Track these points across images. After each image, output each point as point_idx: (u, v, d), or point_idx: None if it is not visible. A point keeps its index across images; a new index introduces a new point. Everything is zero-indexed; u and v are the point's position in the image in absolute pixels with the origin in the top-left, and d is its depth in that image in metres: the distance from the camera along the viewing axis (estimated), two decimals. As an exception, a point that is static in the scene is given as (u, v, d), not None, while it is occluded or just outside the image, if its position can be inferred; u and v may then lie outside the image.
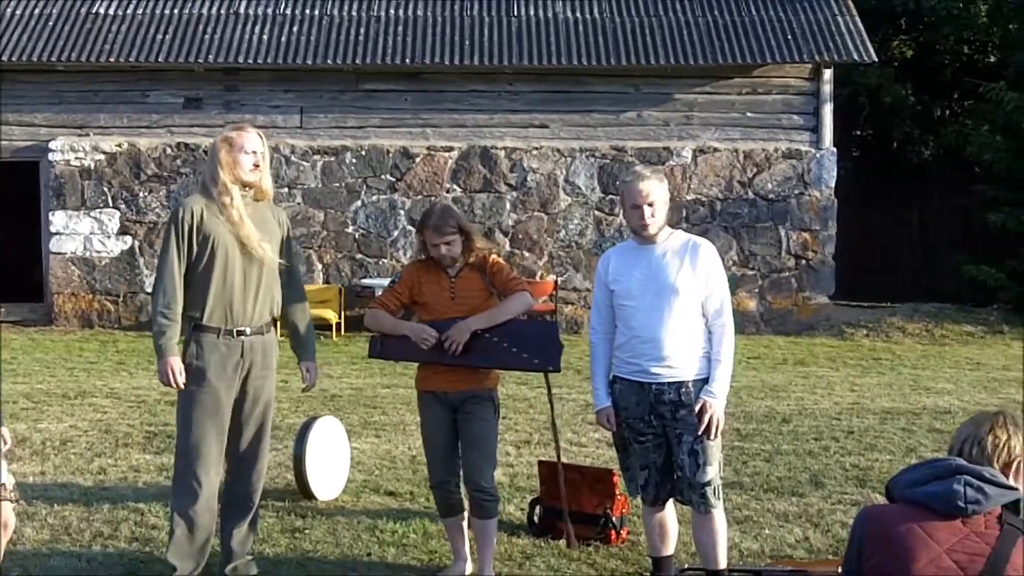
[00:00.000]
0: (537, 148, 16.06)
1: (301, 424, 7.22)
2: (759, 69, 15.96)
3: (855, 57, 15.91)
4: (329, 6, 16.40)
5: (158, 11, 16.20)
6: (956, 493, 3.12)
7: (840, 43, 15.87)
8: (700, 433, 4.95)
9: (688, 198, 15.96)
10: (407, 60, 15.76)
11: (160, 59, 15.68)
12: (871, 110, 21.35)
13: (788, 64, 15.87)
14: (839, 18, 16.21)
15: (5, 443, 4.68)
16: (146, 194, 15.98)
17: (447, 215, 5.32)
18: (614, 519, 6.05)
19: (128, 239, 16.00)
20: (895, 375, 12.39)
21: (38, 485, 7.12)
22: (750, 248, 16.04)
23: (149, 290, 15.17)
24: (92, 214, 15.97)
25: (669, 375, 5.00)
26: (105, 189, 15.95)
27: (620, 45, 15.86)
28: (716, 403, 4.96)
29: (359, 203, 16.11)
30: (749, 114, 16.09)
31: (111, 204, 15.98)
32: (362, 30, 16.09)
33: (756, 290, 16.02)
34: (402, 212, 16.08)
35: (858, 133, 22.63)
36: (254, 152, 5.15)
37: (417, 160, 16.04)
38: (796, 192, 16.05)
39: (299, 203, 16.03)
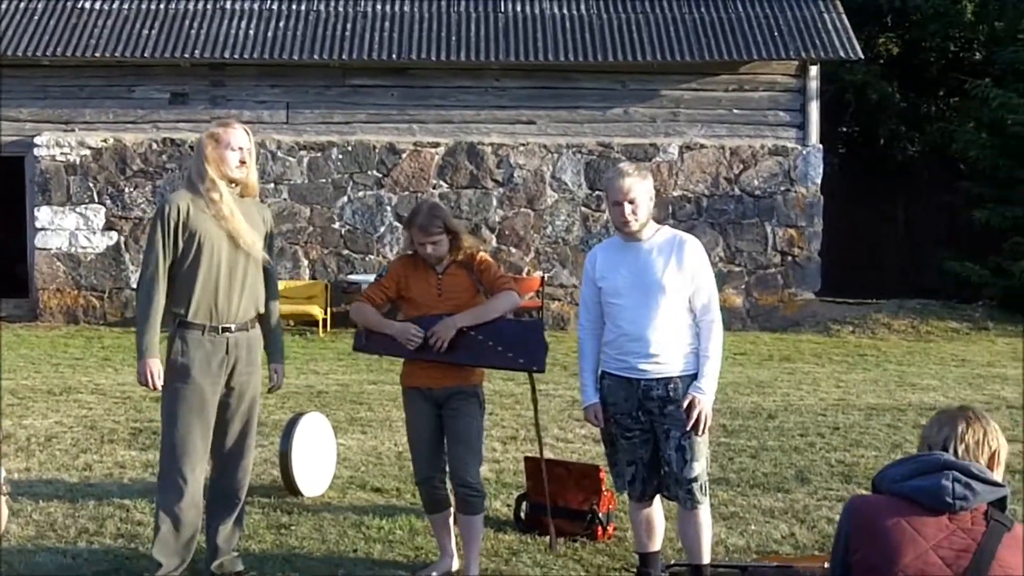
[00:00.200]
0: (524, 144, 16.05)
1: (287, 420, 7.21)
2: (746, 66, 15.98)
3: (841, 54, 15.94)
4: (315, 1, 16.37)
5: (144, 6, 16.16)
6: (944, 489, 3.13)
7: (826, 40, 15.90)
8: (688, 429, 4.96)
9: (674, 194, 15.98)
10: (394, 56, 15.74)
11: (146, 54, 15.64)
12: (857, 107, 21.42)
13: (775, 61, 15.90)
14: (825, 15, 16.25)
15: None
16: (132, 190, 15.94)
17: (434, 214, 5.30)
18: (600, 515, 6.05)
19: (114, 235, 15.96)
20: (881, 371, 12.42)
21: (23, 481, 7.10)
22: (736, 244, 16.07)
23: (135, 286, 15.13)
24: (78, 210, 15.92)
25: (657, 371, 5.00)
26: (91, 184, 15.91)
27: (607, 41, 15.87)
28: (705, 399, 4.97)
29: (345, 199, 16.09)
30: (735, 111, 16.11)
31: (97, 200, 15.94)
32: (348, 25, 16.07)
33: (742, 286, 16.05)
34: (388, 208, 16.06)
35: (844, 130, 22.69)
36: (240, 148, 5.13)
37: (404, 156, 16.02)
38: (782, 189, 16.08)
39: (285, 199, 16.01)
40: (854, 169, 21.54)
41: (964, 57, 22.43)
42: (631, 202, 4.99)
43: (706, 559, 5.19)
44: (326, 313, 15.37)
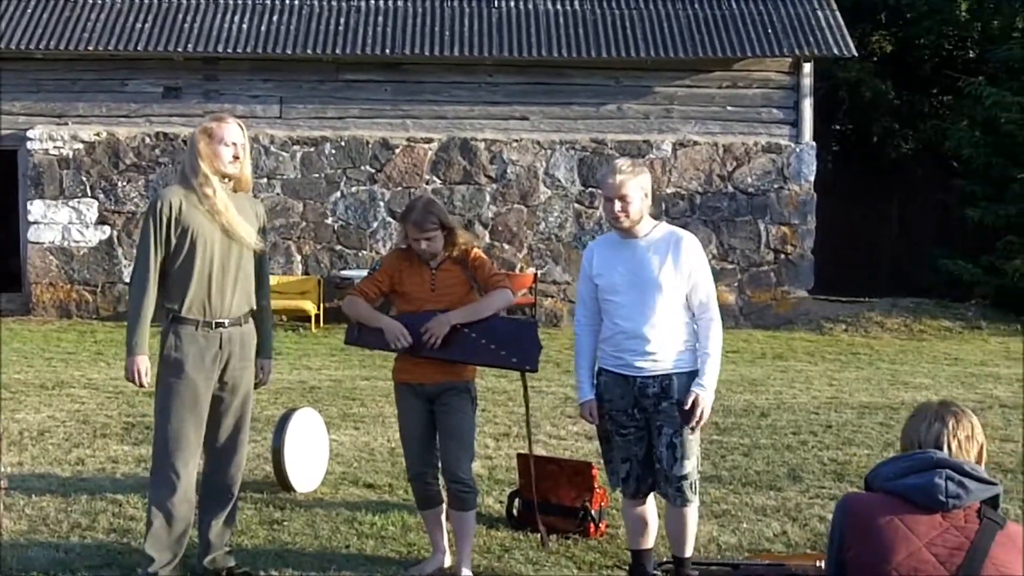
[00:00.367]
0: (517, 140, 16.05)
1: (280, 416, 7.20)
2: (739, 63, 15.99)
3: (835, 51, 15.95)
4: (309, -4, 16.36)
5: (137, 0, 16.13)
6: (937, 487, 3.14)
7: (820, 37, 15.92)
8: (687, 424, 4.97)
9: (668, 191, 15.98)
10: (387, 51, 15.73)
11: (139, 48, 15.62)
12: (851, 104, 21.44)
13: (768, 58, 15.91)
14: (819, 12, 16.26)
15: None
16: (125, 184, 15.91)
17: (429, 211, 5.29)
18: (593, 512, 6.05)
19: (107, 229, 15.94)
20: (873, 370, 12.44)
21: (16, 476, 7.08)
22: (729, 242, 16.08)
23: (127, 280, 15.09)
24: (70, 203, 15.90)
25: (653, 369, 5.01)
26: (84, 178, 15.88)
27: (601, 38, 15.87)
28: (706, 395, 4.98)
29: (338, 194, 16.08)
30: (729, 108, 16.13)
31: (89, 194, 15.91)
32: (342, 20, 16.05)
33: (735, 284, 16.06)
34: (381, 203, 16.06)
35: (838, 128, 22.71)
36: (234, 144, 5.11)
37: (397, 151, 16.02)
38: (775, 186, 16.10)
39: (278, 194, 15.99)
40: (847, 167, 21.56)
41: (958, 55, 22.46)
42: (621, 199, 4.99)
43: (687, 553, 5.23)
44: (319, 308, 15.36)
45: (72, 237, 15.92)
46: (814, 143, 16.20)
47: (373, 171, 16.05)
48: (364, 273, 5.78)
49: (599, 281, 5.13)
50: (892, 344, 14.73)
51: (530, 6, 16.30)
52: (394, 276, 5.39)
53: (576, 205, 16.11)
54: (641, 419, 5.07)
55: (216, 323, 5.10)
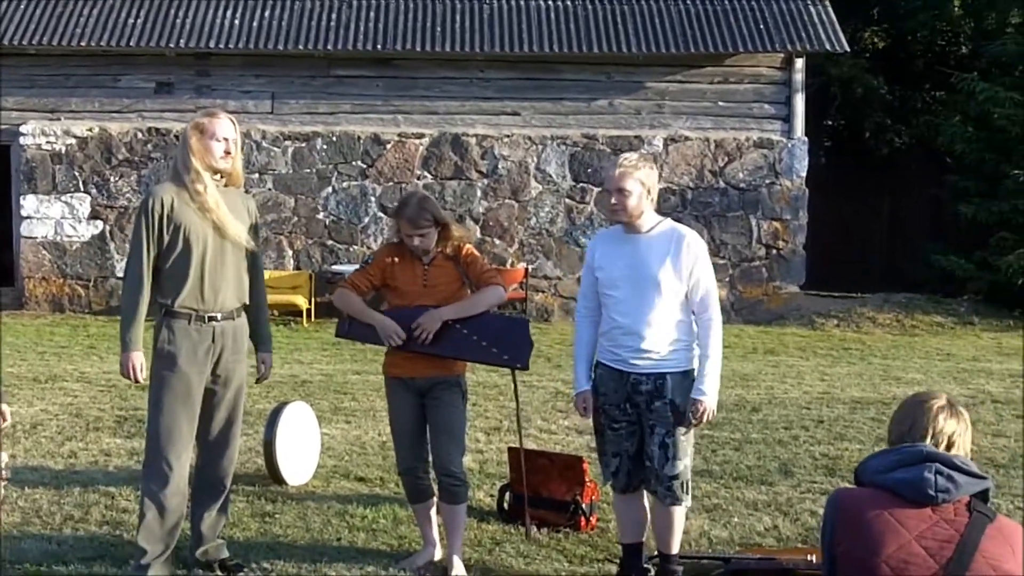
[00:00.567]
0: (508, 135, 16.05)
1: (271, 409, 7.22)
2: (731, 58, 16.00)
3: (827, 47, 15.95)
4: (301, -9, 16.34)
5: (129, -6, 16.11)
6: (927, 481, 3.14)
7: (812, 33, 15.92)
8: (677, 425, 4.97)
9: (659, 187, 15.96)
10: (378, 46, 15.73)
11: (131, 43, 15.60)
12: (843, 100, 21.45)
13: (760, 53, 15.92)
14: (811, 8, 16.26)
15: (4, 420, 4.71)
16: (117, 179, 15.90)
17: (423, 207, 5.30)
18: (584, 506, 6.06)
19: (99, 224, 15.93)
20: (865, 365, 12.47)
21: (9, 468, 7.08)
22: (721, 237, 16.09)
23: (120, 275, 15.12)
24: (63, 198, 15.88)
25: (648, 366, 5.01)
26: (76, 173, 15.86)
27: (592, 33, 15.87)
28: (708, 400, 4.97)
29: (330, 189, 16.08)
30: (721, 103, 16.13)
31: (82, 188, 15.90)
32: (334, 15, 16.04)
33: (727, 279, 16.07)
34: (373, 199, 16.06)
35: (830, 123, 22.73)
36: (225, 139, 5.12)
37: (388, 147, 16.02)
38: (767, 181, 16.11)
39: (270, 189, 15.99)
40: (840, 162, 21.57)
41: (950, 51, 22.48)
42: (620, 191, 5.00)
43: (675, 550, 5.24)
44: (310, 303, 15.36)
45: (65, 232, 15.91)
46: (806, 139, 16.22)
47: (364, 166, 16.05)
48: (355, 268, 5.77)
49: (599, 274, 5.14)
50: (884, 339, 14.75)
51: (521, 2, 16.29)
52: (386, 270, 5.41)
53: (567, 200, 16.12)
54: (633, 414, 5.08)
55: (209, 317, 5.12)
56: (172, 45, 15.60)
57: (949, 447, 3.26)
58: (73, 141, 15.84)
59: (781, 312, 16.05)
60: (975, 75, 18.11)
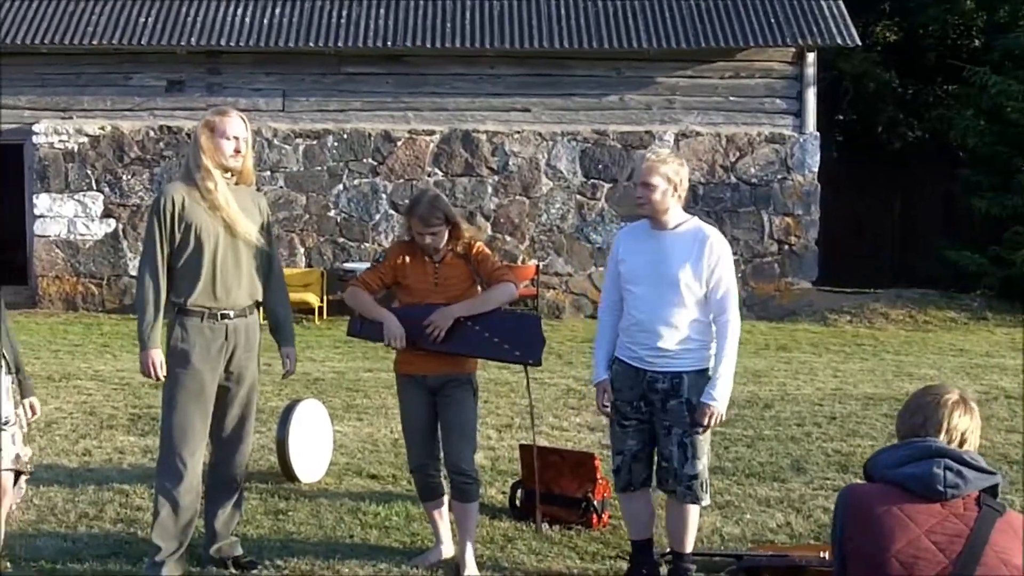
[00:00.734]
0: (519, 132, 16.05)
1: (284, 407, 7.24)
2: (742, 53, 15.97)
3: (838, 41, 15.90)
4: (311, -11, 16.35)
5: (140, -7, 16.15)
6: (936, 477, 3.14)
7: (823, 27, 15.87)
8: (696, 427, 4.97)
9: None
10: (388, 43, 15.73)
11: (142, 42, 15.63)
12: (855, 94, 21.38)
13: (771, 48, 15.88)
14: (823, 2, 16.19)
15: (35, 413, 4.76)
16: (129, 177, 15.94)
17: (434, 206, 5.30)
18: (595, 503, 6.07)
19: (112, 222, 15.97)
20: (878, 361, 12.44)
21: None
22: (732, 233, 16.05)
23: (133, 273, 15.17)
24: (76, 197, 15.93)
25: (664, 365, 5.01)
26: (89, 172, 15.91)
27: (602, 28, 15.85)
28: (717, 406, 4.96)
29: (341, 187, 16.10)
30: (732, 98, 16.11)
31: (95, 187, 15.95)
32: (344, 13, 16.04)
33: (739, 275, 15.98)
34: (384, 196, 16.07)
35: (841, 118, 22.66)
36: (236, 138, 5.14)
37: (399, 144, 16.02)
38: (779, 177, 16.08)
39: (281, 186, 16.02)
40: (852, 157, 21.50)
41: (963, 44, 22.39)
42: (646, 185, 5.02)
43: (688, 548, 5.23)
44: (322, 301, 15.39)
45: (78, 230, 15.96)
46: (818, 133, 16.18)
47: (375, 163, 16.06)
48: (367, 266, 5.79)
49: (622, 268, 5.16)
50: (897, 335, 14.72)
51: (532, -3, 16.28)
52: (397, 268, 5.41)
53: (578, 197, 16.11)
54: (646, 413, 5.07)
55: (222, 314, 5.15)
56: (183, 43, 15.63)
57: (962, 443, 3.26)
58: (85, 140, 15.88)
59: (793, 308, 16.02)
60: (987, 68, 18.04)
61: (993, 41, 19.68)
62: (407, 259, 5.41)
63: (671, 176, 5.03)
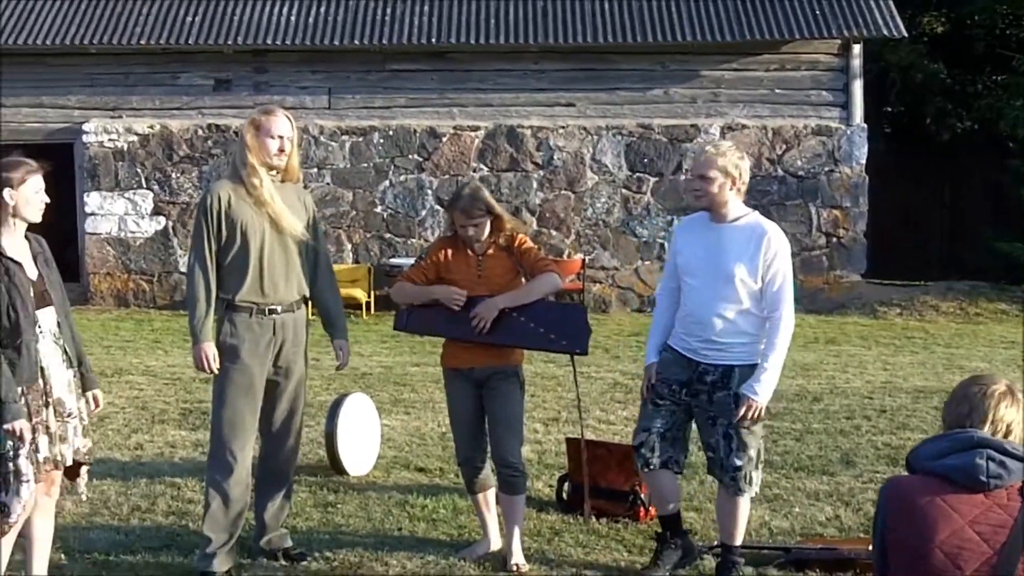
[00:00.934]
0: (563, 127, 16.05)
1: (332, 401, 7.29)
2: (787, 45, 15.87)
3: (884, 32, 15.77)
4: (356, -13, 16.42)
5: (188, -7, 16.30)
6: (978, 467, 3.13)
7: (869, 18, 15.74)
8: (738, 422, 4.97)
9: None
10: (432, 40, 15.77)
11: (190, 41, 15.78)
12: (902, 86, 21.18)
13: (816, 40, 15.77)
14: (868, -6, 16.07)
15: (97, 405, 4.83)
16: (178, 175, 16.10)
17: (476, 198, 5.32)
18: (642, 496, 6.05)
19: (162, 219, 16.14)
20: (928, 354, 12.35)
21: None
22: (780, 226, 15.90)
23: (183, 270, 15.32)
24: (126, 195, 16.12)
25: (717, 357, 5.02)
26: (138, 170, 16.09)
27: (646, 22, 15.80)
28: (758, 400, 4.95)
29: (387, 183, 16.17)
30: (777, 90, 16.01)
31: (144, 185, 16.12)
32: (388, 10, 16.10)
33: (787, 268, 15.93)
34: (429, 192, 16.13)
35: (889, 109, 22.46)
36: (280, 136, 5.20)
37: (444, 140, 16.07)
38: (826, 169, 15.98)
39: (328, 183, 16.11)
40: (900, 148, 21.30)
41: (1011, 33, 22.12)
42: (701, 177, 5.04)
43: (738, 541, 5.23)
44: (369, 296, 15.48)
45: (128, 228, 16.14)
46: (865, 125, 16.06)
47: (421, 160, 16.12)
48: (412, 261, 5.82)
49: (679, 259, 5.19)
50: (947, 328, 14.58)
51: (575, -8, 16.26)
52: (440, 264, 5.43)
53: (623, 190, 16.09)
54: (684, 401, 5.08)
55: (269, 309, 5.21)
56: (230, 42, 15.76)
57: (1007, 434, 3.24)
58: (135, 138, 16.06)
59: (842, 301, 15.91)
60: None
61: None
62: (450, 253, 5.43)
63: (729, 169, 5.04)
